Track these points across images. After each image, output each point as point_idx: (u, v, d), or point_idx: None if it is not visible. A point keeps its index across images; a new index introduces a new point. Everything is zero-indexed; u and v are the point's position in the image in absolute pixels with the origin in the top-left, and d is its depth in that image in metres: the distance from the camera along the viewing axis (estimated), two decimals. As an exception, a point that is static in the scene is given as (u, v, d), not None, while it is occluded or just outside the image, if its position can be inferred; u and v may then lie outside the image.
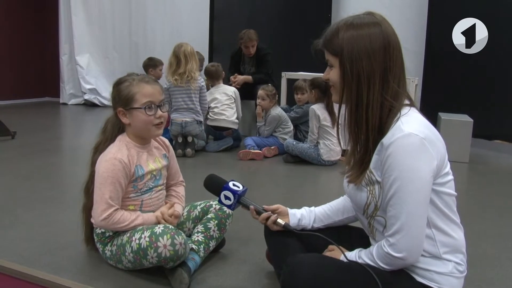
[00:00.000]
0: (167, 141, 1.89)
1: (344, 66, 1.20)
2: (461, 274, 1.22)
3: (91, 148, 1.79)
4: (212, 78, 4.41)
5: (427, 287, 1.20)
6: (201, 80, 4.00)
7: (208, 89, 4.33)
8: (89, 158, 1.78)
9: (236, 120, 4.30)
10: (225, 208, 1.83)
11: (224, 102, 4.23)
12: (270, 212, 1.49)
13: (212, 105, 4.24)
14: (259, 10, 5.87)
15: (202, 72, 4.64)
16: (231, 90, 4.34)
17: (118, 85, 1.69)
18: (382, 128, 1.20)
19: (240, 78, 4.73)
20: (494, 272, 1.82)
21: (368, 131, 1.21)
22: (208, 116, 4.25)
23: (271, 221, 1.46)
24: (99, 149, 1.74)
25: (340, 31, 1.21)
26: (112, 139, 1.74)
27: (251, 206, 1.50)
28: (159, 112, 1.68)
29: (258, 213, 1.49)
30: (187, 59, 3.84)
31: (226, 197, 1.52)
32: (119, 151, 1.67)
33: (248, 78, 4.77)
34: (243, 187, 1.54)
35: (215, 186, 1.56)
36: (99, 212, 1.62)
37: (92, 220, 1.72)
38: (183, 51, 3.85)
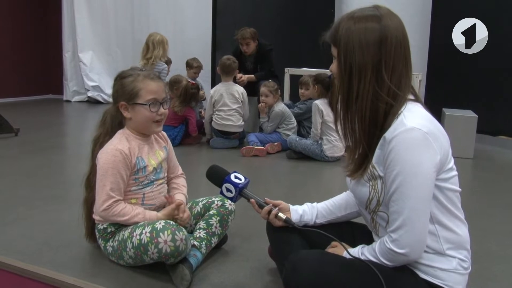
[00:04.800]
0: (165, 133, 1.89)
1: (340, 58, 1.20)
2: (465, 270, 1.21)
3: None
4: (222, 71, 4.29)
5: (431, 284, 1.19)
6: (160, 64, 4.48)
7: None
8: (90, 151, 1.76)
9: (243, 123, 4.26)
10: (227, 205, 1.83)
11: (232, 106, 4.15)
12: (271, 205, 1.48)
13: (218, 106, 4.17)
14: (261, 6, 5.85)
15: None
16: (240, 92, 4.22)
17: (121, 79, 1.69)
18: (381, 123, 1.18)
19: (245, 78, 4.71)
20: (499, 269, 1.80)
21: (363, 124, 1.20)
22: (214, 119, 4.20)
23: (272, 215, 1.45)
24: (99, 141, 1.73)
25: (342, 23, 1.21)
26: (112, 132, 1.73)
27: (252, 200, 1.49)
28: (161, 110, 1.69)
29: (260, 206, 1.48)
30: (154, 46, 4.51)
31: (228, 190, 1.51)
32: (120, 143, 1.67)
33: (251, 77, 4.76)
34: (245, 179, 1.53)
35: (217, 177, 1.54)
36: (100, 202, 1.63)
37: (94, 216, 1.72)
38: (152, 39, 4.55)
